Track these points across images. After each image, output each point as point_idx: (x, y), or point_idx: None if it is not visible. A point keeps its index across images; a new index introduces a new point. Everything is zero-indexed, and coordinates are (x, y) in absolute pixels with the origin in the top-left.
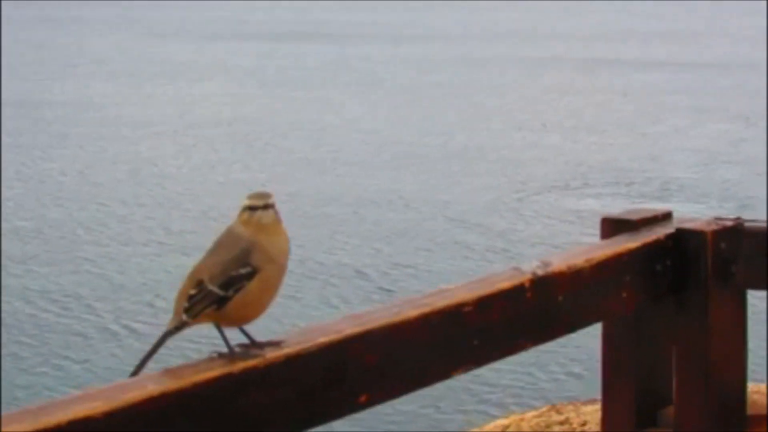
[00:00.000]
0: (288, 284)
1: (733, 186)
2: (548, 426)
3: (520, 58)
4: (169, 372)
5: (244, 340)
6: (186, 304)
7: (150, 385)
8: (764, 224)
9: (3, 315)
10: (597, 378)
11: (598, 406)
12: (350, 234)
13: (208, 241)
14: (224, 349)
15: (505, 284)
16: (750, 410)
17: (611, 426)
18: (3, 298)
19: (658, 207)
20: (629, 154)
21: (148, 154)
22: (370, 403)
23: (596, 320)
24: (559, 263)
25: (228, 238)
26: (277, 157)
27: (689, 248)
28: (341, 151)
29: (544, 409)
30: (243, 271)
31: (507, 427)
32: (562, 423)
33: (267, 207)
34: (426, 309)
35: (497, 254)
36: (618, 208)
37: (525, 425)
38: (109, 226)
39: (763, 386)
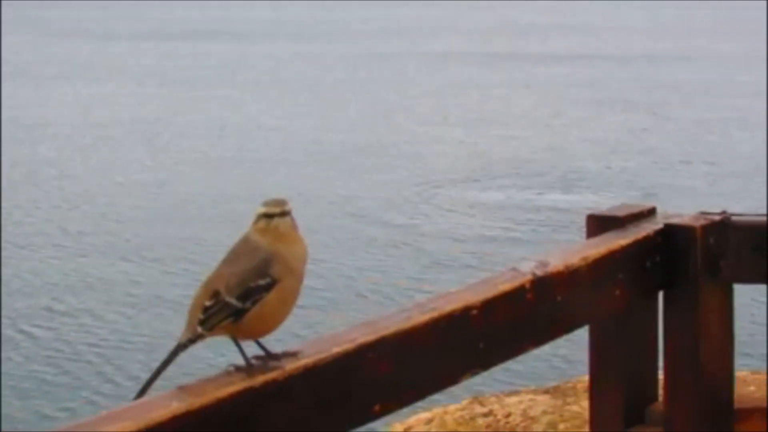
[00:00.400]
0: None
1: (635, 175)
2: (472, 418)
3: (422, 54)
4: (189, 388)
5: (257, 351)
6: (201, 316)
7: (174, 403)
8: (750, 218)
9: None
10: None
11: (521, 398)
12: None
13: (106, 243)
14: (240, 362)
15: (507, 286)
16: (737, 404)
17: (600, 425)
18: None
19: (644, 203)
20: (532, 146)
21: (46, 156)
22: (384, 412)
23: (592, 319)
24: (556, 262)
25: (245, 247)
26: (178, 156)
27: (678, 244)
28: (242, 149)
29: (467, 401)
30: (262, 282)
31: (430, 420)
32: (485, 415)
33: (284, 214)
34: (435, 314)
35: (399, 249)
36: (521, 199)
37: (449, 418)
38: (6, 228)
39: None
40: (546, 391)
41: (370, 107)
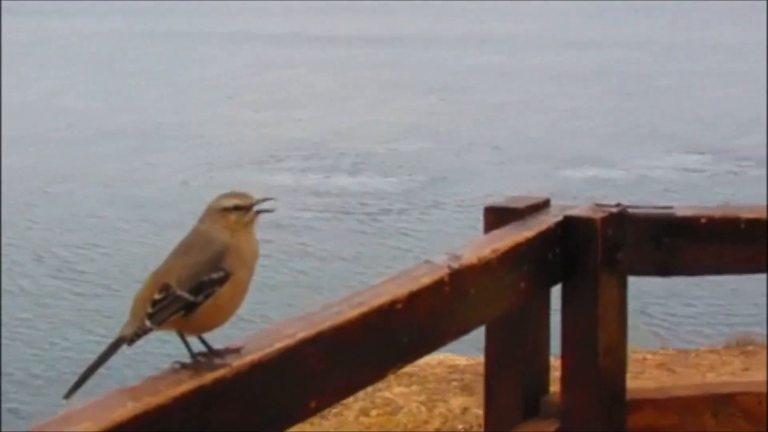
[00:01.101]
0: None
1: (423, 159)
2: None
3: (219, 34)
4: (140, 387)
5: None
6: (150, 310)
7: (130, 403)
8: (645, 210)
9: None
10: None
11: None
12: (39, 215)
13: None
14: (186, 359)
15: (427, 279)
16: (629, 395)
17: (497, 419)
18: None
19: (538, 195)
20: (322, 129)
21: None
22: (318, 408)
23: (501, 312)
24: (469, 255)
25: (198, 239)
26: None
27: (579, 236)
28: (34, 128)
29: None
30: (215, 275)
31: None
32: None
33: (252, 207)
34: (365, 308)
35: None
36: (311, 182)
37: None
38: None
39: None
40: None
41: (165, 87)
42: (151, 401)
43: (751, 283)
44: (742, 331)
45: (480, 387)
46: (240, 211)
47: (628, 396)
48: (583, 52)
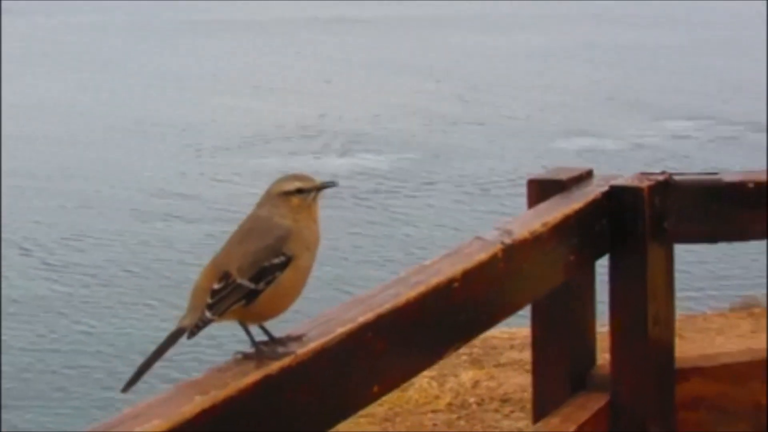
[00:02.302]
0: None
1: (412, 137)
2: None
3: (192, 22)
4: (205, 380)
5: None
6: (210, 300)
7: (197, 397)
8: (691, 177)
9: None
10: None
11: None
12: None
13: None
14: (248, 349)
15: (482, 256)
16: (677, 364)
17: (545, 392)
18: None
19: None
20: (307, 111)
21: None
22: (381, 393)
23: (552, 286)
24: (520, 230)
25: (258, 224)
26: None
27: (626, 205)
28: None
29: None
30: (276, 260)
31: None
32: None
33: (319, 189)
34: (422, 288)
35: (177, 218)
36: (301, 164)
37: None
38: None
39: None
40: None
41: (141, 78)
42: (218, 394)
43: (745, 245)
44: (745, 294)
45: (490, 360)
46: (302, 193)
47: (676, 365)
48: (564, 27)
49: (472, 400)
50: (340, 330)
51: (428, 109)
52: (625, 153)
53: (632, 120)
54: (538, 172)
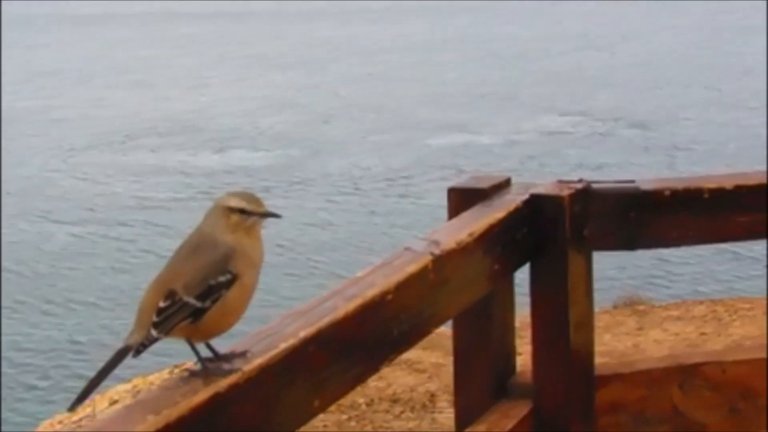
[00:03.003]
0: None
1: (289, 133)
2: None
3: (74, 16)
4: (154, 399)
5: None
6: (156, 318)
7: (150, 417)
8: (609, 185)
9: None
10: None
11: None
12: None
13: None
14: (194, 366)
15: (413, 267)
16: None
17: (468, 406)
18: None
19: (500, 174)
20: (184, 107)
21: None
22: (321, 407)
23: (478, 296)
24: (447, 240)
25: (203, 241)
26: None
27: (546, 214)
28: None
29: (167, 369)
30: (222, 278)
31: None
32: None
33: (262, 216)
34: (359, 301)
35: (43, 217)
36: (174, 161)
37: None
38: None
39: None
40: None
41: (17, 70)
42: (171, 413)
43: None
44: (629, 292)
45: (426, 366)
46: (244, 214)
47: (596, 372)
48: (433, 20)
49: (361, 400)
50: (284, 345)
51: (302, 104)
52: (501, 148)
53: (507, 116)
54: (457, 180)
